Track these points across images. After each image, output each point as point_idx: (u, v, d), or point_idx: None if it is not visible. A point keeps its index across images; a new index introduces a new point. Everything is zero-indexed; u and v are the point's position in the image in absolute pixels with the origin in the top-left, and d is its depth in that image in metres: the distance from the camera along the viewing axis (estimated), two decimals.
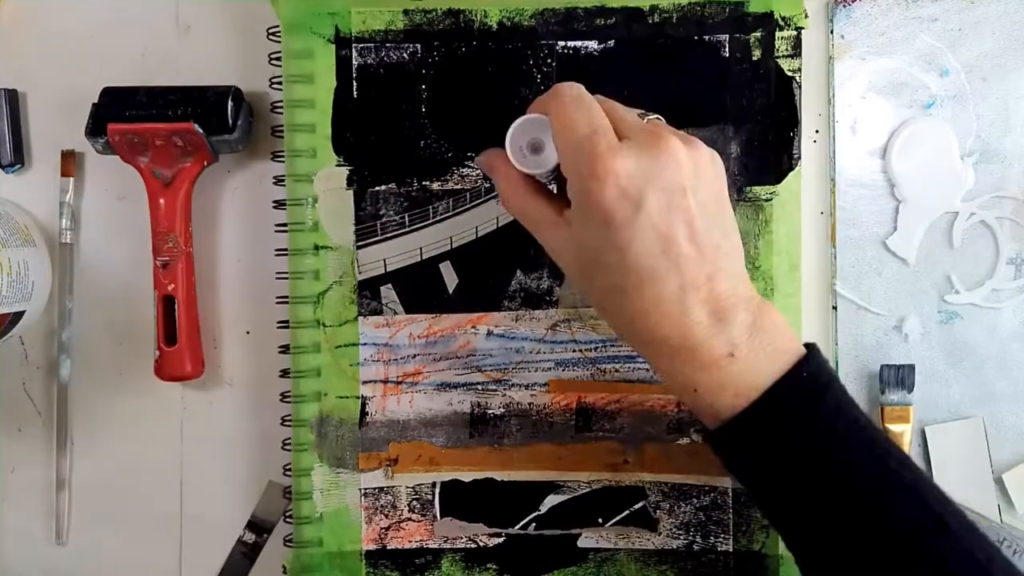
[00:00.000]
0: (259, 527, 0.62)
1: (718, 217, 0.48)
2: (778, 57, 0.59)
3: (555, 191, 0.52)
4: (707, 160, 0.48)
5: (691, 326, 0.46)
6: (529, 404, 0.60)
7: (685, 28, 0.59)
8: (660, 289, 0.46)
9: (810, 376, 0.47)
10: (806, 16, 0.58)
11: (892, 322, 0.61)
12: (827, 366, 0.48)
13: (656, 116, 0.52)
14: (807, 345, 0.48)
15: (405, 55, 0.59)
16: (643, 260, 0.45)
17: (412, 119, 0.59)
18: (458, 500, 0.60)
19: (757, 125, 0.59)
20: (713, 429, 0.48)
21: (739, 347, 0.46)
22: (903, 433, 0.59)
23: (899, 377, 0.59)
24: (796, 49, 0.59)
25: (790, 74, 0.59)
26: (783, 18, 0.58)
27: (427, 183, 0.59)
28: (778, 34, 0.58)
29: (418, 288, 0.60)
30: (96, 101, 0.59)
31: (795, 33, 0.58)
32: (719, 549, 0.60)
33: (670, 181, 0.45)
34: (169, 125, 0.57)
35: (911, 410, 0.59)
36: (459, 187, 0.59)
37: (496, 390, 0.60)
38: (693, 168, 0.46)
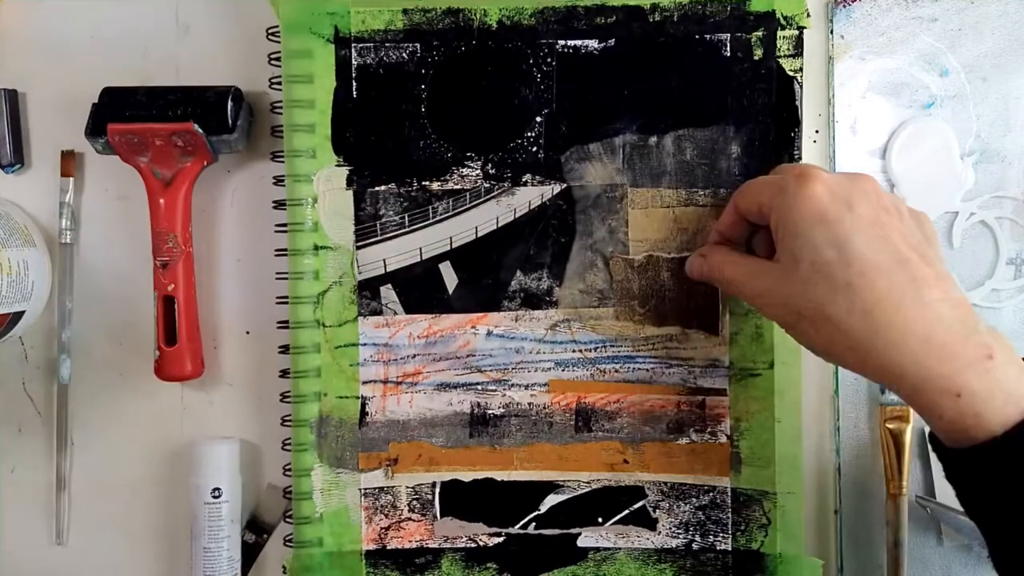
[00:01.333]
0: (259, 527, 0.62)
1: (926, 240, 0.47)
2: (779, 57, 0.58)
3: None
4: (895, 200, 0.48)
5: (937, 320, 0.43)
6: (529, 404, 0.60)
7: (686, 27, 0.59)
8: (891, 278, 0.44)
9: None
10: (808, 15, 0.58)
11: None
12: None
13: None
14: None
15: (405, 55, 0.59)
16: (866, 252, 0.45)
17: (412, 119, 0.59)
18: (458, 500, 0.60)
19: (758, 125, 0.59)
20: (978, 444, 0.43)
21: (994, 349, 0.43)
22: (903, 433, 0.59)
23: None
24: (798, 49, 0.58)
25: (791, 74, 0.59)
26: (785, 17, 0.58)
27: (427, 183, 0.59)
28: (780, 33, 0.58)
29: (418, 288, 0.60)
30: (96, 101, 0.59)
31: (797, 33, 0.58)
32: (718, 548, 0.60)
33: (873, 198, 0.46)
34: (169, 125, 0.57)
35: (911, 410, 0.59)
36: (459, 187, 0.59)
37: (496, 390, 0.60)
38: (890, 198, 0.47)
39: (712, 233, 0.56)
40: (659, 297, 0.60)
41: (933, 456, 0.60)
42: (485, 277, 0.60)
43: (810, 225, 0.46)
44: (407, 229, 0.60)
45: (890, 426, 0.60)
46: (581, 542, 0.60)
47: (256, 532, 0.62)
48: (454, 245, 0.60)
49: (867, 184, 0.47)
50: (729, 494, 0.60)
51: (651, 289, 0.59)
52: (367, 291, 0.60)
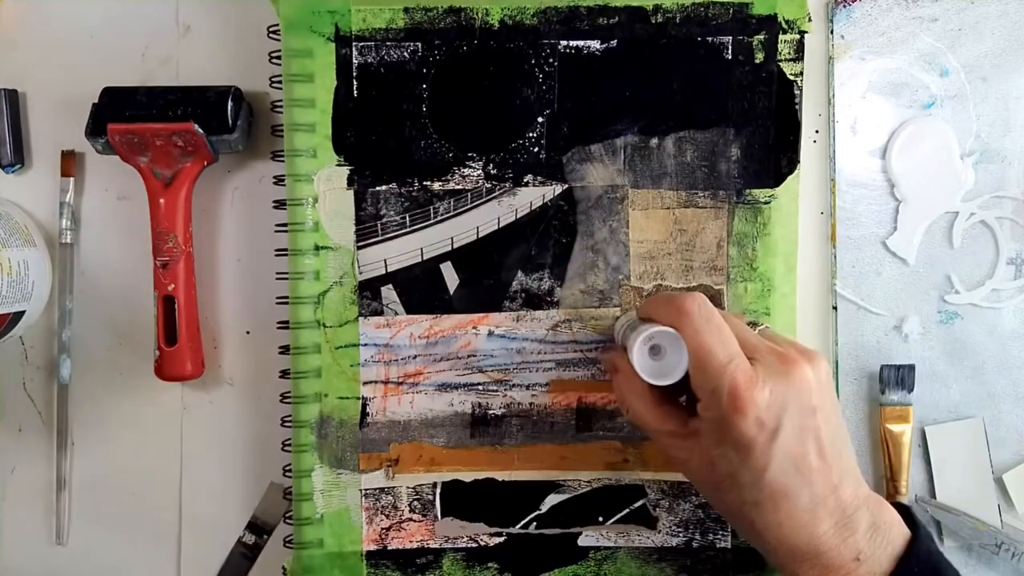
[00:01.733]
0: (259, 528, 0.62)
1: (837, 426, 0.50)
2: (780, 61, 0.58)
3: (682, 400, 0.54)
4: (825, 371, 0.50)
5: (820, 536, 0.48)
6: (530, 404, 0.60)
7: (688, 29, 0.59)
8: (793, 503, 0.48)
9: (922, 562, 0.49)
10: (809, 20, 0.58)
11: (892, 322, 0.61)
12: (933, 544, 0.51)
13: (765, 326, 0.55)
14: (910, 523, 0.51)
15: (406, 54, 0.59)
16: (778, 479, 0.48)
17: (413, 118, 0.59)
18: (459, 500, 0.60)
19: (758, 128, 0.59)
20: None
21: (863, 551, 0.48)
22: (903, 433, 0.60)
23: (899, 377, 0.60)
24: (799, 53, 0.58)
25: (792, 78, 0.59)
26: (787, 21, 0.58)
27: (428, 183, 0.59)
28: (781, 37, 0.58)
29: (419, 288, 0.60)
30: (96, 101, 0.59)
31: (798, 37, 0.58)
32: (718, 546, 0.60)
33: (802, 405, 0.48)
34: (169, 125, 0.57)
35: (911, 410, 0.60)
36: (460, 187, 0.59)
37: (497, 390, 0.60)
38: (818, 385, 0.49)
39: (642, 309, 0.56)
40: None
41: (934, 456, 0.60)
42: (486, 277, 0.60)
43: (733, 451, 0.48)
44: (408, 229, 0.59)
45: (890, 426, 0.60)
46: (582, 541, 0.60)
47: (256, 533, 0.62)
48: (455, 245, 0.60)
49: (800, 384, 0.49)
50: None
51: None
52: (368, 291, 0.60)
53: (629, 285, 0.60)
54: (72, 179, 0.61)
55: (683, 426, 0.51)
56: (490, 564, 0.60)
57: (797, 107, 0.59)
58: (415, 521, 0.60)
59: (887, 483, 0.60)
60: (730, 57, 0.59)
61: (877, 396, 0.60)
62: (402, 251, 0.60)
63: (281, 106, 0.59)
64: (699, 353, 0.49)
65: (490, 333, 0.60)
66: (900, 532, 0.50)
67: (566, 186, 0.59)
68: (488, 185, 0.59)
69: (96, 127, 0.58)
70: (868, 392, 0.61)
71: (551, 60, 0.59)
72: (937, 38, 0.60)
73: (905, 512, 0.51)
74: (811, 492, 0.48)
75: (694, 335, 0.49)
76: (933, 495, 0.61)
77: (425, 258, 0.60)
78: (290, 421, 0.60)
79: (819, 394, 0.49)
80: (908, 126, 0.61)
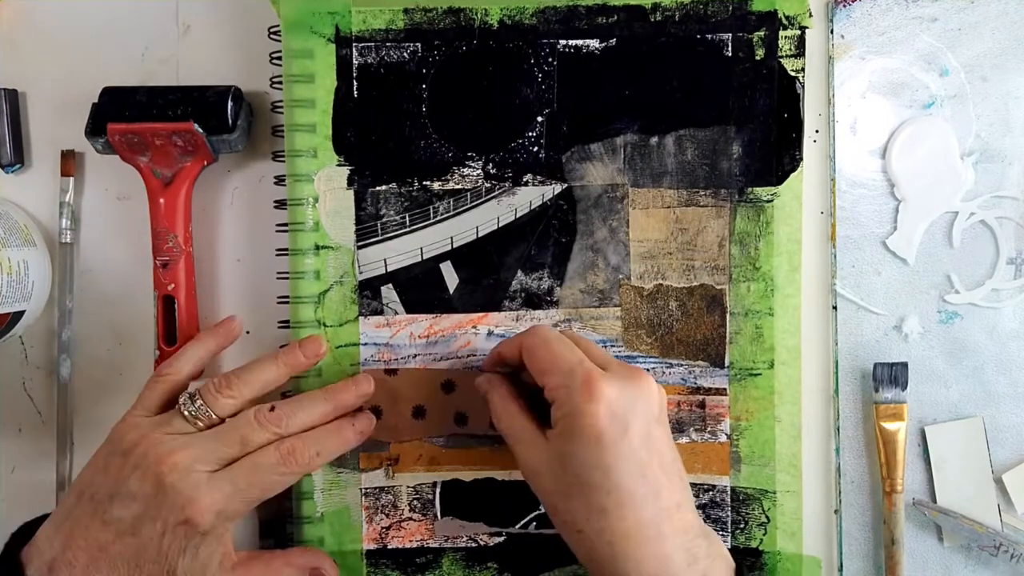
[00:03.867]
0: (269, 530, 0.61)
1: (674, 451, 0.51)
2: (781, 57, 0.58)
3: None
4: (664, 399, 0.52)
5: (668, 556, 0.48)
6: None
7: (687, 27, 0.59)
8: (639, 514, 0.48)
9: None
10: (810, 15, 0.58)
11: (892, 322, 0.61)
12: None
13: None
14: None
15: (406, 54, 0.59)
16: (626, 481, 0.48)
17: (413, 119, 0.59)
18: (459, 499, 0.60)
19: (759, 125, 0.59)
20: None
21: (708, 573, 0.49)
22: (897, 431, 0.60)
23: (892, 375, 0.60)
24: (800, 49, 0.58)
25: (793, 74, 0.59)
26: (787, 17, 0.58)
27: (428, 183, 0.59)
28: (781, 33, 0.58)
29: (419, 288, 0.60)
30: (96, 101, 0.59)
31: (799, 32, 0.58)
32: None
33: (647, 411, 0.50)
34: (169, 125, 0.57)
35: (905, 408, 0.60)
36: (460, 187, 0.59)
37: None
38: (660, 402, 0.51)
39: (494, 353, 0.57)
40: (666, 327, 0.60)
41: (933, 455, 0.60)
42: (486, 277, 0.60)
43: (585, 443, 0.49)
44: (408, 229, 0.60)
45: (884, 424, 0.60)
46: None
47: (272, 535, 0.61)
48: (455, 245, 0.60)
49: (647, 391, 0.50)
50: (729, 493, 0.60)
51: (659, 319, 0.60)
52: (368, 291, 0.60)
53: (629, 285, 0.60)
54: (72, 179, 0.61)
55: (542, 435, 0.51)
56: (490, 564, 0.60)
57: (800, 103, 0.59)
58: (415, 520, 0.60)
59: (883, 481, 0.60)
60: (730, 54, 0.59)
61: (871, 394, 0.60)
62: (402, 251, 0.60)
63: (281, 106, 0.59)
64: (550, 359, 0.51)
65: (490, 333, 0.60)
66: (728, 566, 0.51)
67: (566, 185, 0.59)
68: (488, 185, 0.59)
69: (96, 127, 0.58)
70: (864, 392, 0.61)
71: (550, 59, 0.59)
72: (937, 38, 0.61)
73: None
74: (656, 504, 0.48)
75: (544, 344, 0.52)
76: (932, 495, 0.61)
77: (425, 258, 0.60)
78: None
79: (661, 411, 0.51)
80: (908, 126, 0.61)
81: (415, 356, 0.60)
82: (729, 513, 0.60)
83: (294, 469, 0.52)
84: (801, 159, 0.59)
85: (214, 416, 0.53)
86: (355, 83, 0.59)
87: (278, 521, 0.61)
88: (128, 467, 0.51)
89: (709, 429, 0.60)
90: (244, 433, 0.52)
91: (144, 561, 0.50)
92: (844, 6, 0.60)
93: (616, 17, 0.59)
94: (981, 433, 0.61)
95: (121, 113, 0.58)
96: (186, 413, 0.53)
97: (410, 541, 0.60)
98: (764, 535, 0.60)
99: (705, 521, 0.60)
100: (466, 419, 0.60)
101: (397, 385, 0.59)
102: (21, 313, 0.58)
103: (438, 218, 0.60)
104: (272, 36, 0.60)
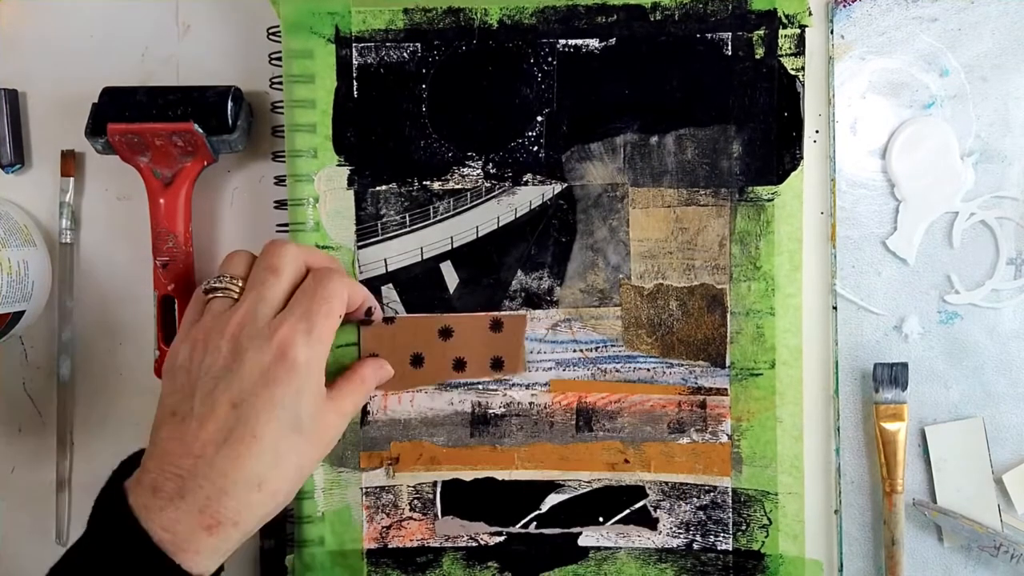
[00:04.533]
0: (273, 531, 0.61)
1: None
2: (781, 56, 0.59)
3: None
4: None
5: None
6: (530, 404, 0.60)
7: (687, 26, 0.59)
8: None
9: None
10: (810, 14, 0.58)
11: (892, 322, 0.61)
12: None
13: None
14: None
15: (405, 54, 0.59)
16: None
17: (413, 119, 0.59)
18: (459, 499, 0.60)
19: (759, 124, 0.59)
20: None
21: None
22: (898, 431, 0.59)
23: (892, 375, 0.60)
24: (799, 48, 0.58)
25: (793, 73, 0.59)
26: (786, 16, 0.58)
27: (428, 183, 0.59)
28: (781, 32, 0.58)
29: (419, 288, 0.60)
30: (96, 101, 0.59)
31: (799, 31, 0.58)
32: (719, 548, 0.60)
33: None
34: (169, 125, 0.57)
35: (905, 408, 0.60)
36: (460, 187, 0.59)
37: (497, 390, 0.60)
38: None
39: None
40: (667, 327, 0.60)
41: (933, 456, 0.60)
42: (486, 277, 0.60)
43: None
44: (408, 229, 0.60)
45: (884, 424, 0.60)
46: (582, 541, 0.60)
47: (272, 536, 0.61)
48: (455, 245, 0.60)
49: None
50: (730, 494, 0.60)
51: (659, 319, 0.60)
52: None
53: (629, 284, 0.60)
54: (72, 179, 0.61)
55: None
56: (490, 563, 0.60)
57: (800, 101, 0.59)
58: (415, 520, 0.60)
59: (883, 482, 0.60)
60: (730, 53, 0.59)
61: (872, 395, 0.60)
62: (402, 251, 0.60)
63: (281, 107, 0.59)
64: None
65: None
66: None
67: (566, 185, 0.59)
68: (488, 184, 0.59)
69: (96, 127, 0.58)
70: (864, 392, 0.61)
71: (550, 59, 0.59)
72: (937, 38, 0.61)
73: None
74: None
75: None
76: (933, 495, 0.61)
77: (425, 257, 0.60)
78: None
79: None
80: (908, 126, 0.61)
81: None
82: (730, 515, 0.60)
83: (344, 278, 0.53)
84: (801, 158, 0.59)
85: (241, 281, 0.53)
86: (355, 83, 0.59)
87: (278, 521, 0.61)
88: (195, 363, 0.50)
89: (710, 430, 0.60)
90: (272, 263, 0.52)
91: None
92: (844, 6, 0.60)
93: (616, 16, 0.59)
94: (981, 433, 0.60)
95: (121, 113, 0.58)
96: (218, 293, 0.53)
97: (411, 541, 0.60)
98: (766, 537, 0.60)
99: (706, 523, 0.60)
100: (464, 365, 0.60)
101: (394, 332, 0.59)
102: (21, 313, 0.58)
103: (438, 218, 0.60)
104: (272, 36, 0.60)
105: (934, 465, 0.61)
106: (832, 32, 0.60)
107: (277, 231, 0.60)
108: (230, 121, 0.58)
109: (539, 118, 0.59)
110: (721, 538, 0.60)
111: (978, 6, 0.60)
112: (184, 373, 0.50)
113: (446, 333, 0.60)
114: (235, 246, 0.61)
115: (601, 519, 0.60)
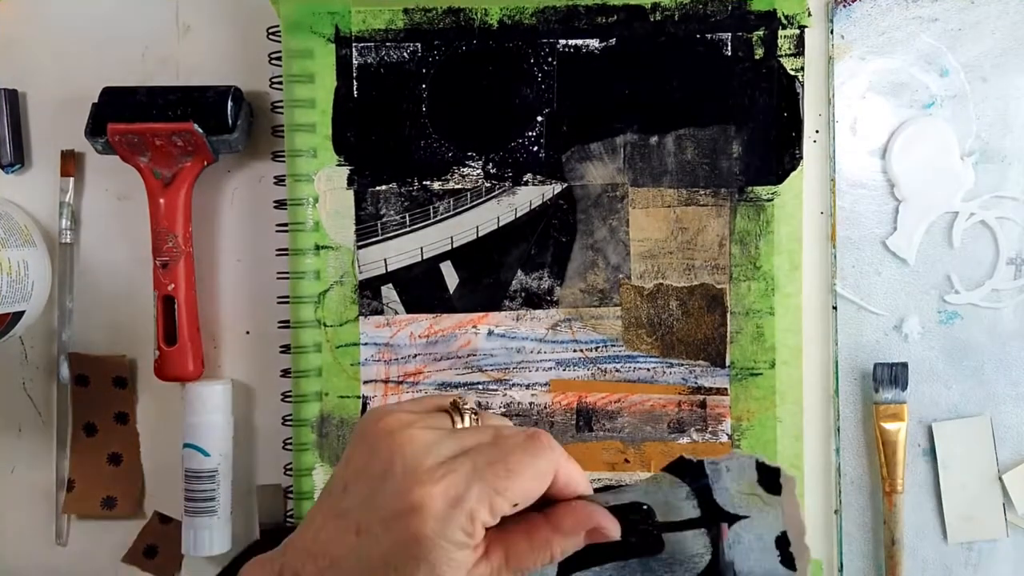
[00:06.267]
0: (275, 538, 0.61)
1: None
2: (781, 56, 0.58)
3: None
4: None
5: None
6: (530, 404, 0.60)
7: (687, 26, 0.59)
8: None
9: None
10: (809, 14, 0.58)
11: (892, 322, 0.61)
12: None
13: None
14: None
15: (405, 54, 0.59)
16: None
17: (413, 118, 0.59)
18: None
19: (759, 124, 0.59)
20: None
21: None
22: (898, 431, 0.59)
23: (892, 375, 0.59)
24: (799, 48, 0.58)
25: (793, 73, 0.59)
26: (786, 16, 0.58)
27: (428, 183, 0.59)
28: (781, 33, 0.58)
29: (419, 288, 0.60)
30: (96, 101, 0.59)
31: (798, 32, 0.58)
32: None
33: None
34: (169, 125, 0.57)
35: (905, 408, 0.59)
36: (459, 187, 0.59)
37: (497, 390, 0.60)
38: None
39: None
40: (667, 327, 0.60)
41: (940, 455, 0.60)
42: (486, 277, 0.60)
43: None
44: (408, 229, 0.60)
45: (884, 424, 0.60)
46: None
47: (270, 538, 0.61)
48: (455, 245, 0.60)
49: None
50: None
51: (659, 318, 0.60)
52: (368, 291, 0.60)
53: (629, 284, 0.60)
54: (72, 179, 0.61)
55: None
56: None
57: (800, 102, 0.59)
58: None
59: (883, 481, 0.60)
60: (729, 54, 0.59)
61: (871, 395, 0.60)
62: (402, 250, 0.60)
63: (281, 106, 0.59)
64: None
65: (490, 332, 0.60)
66: None
67: (566, 185, 0.59)
68: (488, 184, 0.59)
69: (96, 127, 0.58)
70: (864, 392, 0.61)
71: (550, 59, 0.59)
72: (937, 38, 0.61)
73: None
74: None
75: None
76: (937, 493, 0.61)
77: (425, 257, 0.60)
78: (291, 420, 0.60)
79: None
80: (908, 126, 0.61)
81: (415, 356, 0.60)
82: None
83: (543, 445, 0.40)
84: (801, 157, 0.59)
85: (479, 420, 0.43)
86: (355, 83, 0.59)
87: (279, 528, 0.61)
88: (365, 446, 0.41)
89: (710, 429, 0.60)
90: (496, 424, 0.42)
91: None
92: (844, 6, 0.60)
93: (616, 17, 0.59)
94: (988, 431, 0.60)
95: (121, 113, 0.58)
96: (460, 410, 0.42)
97: None
98: None
99: None
100: None
101: None
102: (21, 313, 0.58)
103: (438, 218, 0.60)
104: (272, 36, 0.60)
105: (940, 463, 0.60)
106: (832, 32, 0.60)
107: (277, 231, 0.60)
108: (230, 121, 0.58)
109: (539, 118, 0.59)
110: None
111: (978, 6, 0.60)
112: (357, 449, 0.41)
113: None
114: (235, 246, 0.62)
115: None
